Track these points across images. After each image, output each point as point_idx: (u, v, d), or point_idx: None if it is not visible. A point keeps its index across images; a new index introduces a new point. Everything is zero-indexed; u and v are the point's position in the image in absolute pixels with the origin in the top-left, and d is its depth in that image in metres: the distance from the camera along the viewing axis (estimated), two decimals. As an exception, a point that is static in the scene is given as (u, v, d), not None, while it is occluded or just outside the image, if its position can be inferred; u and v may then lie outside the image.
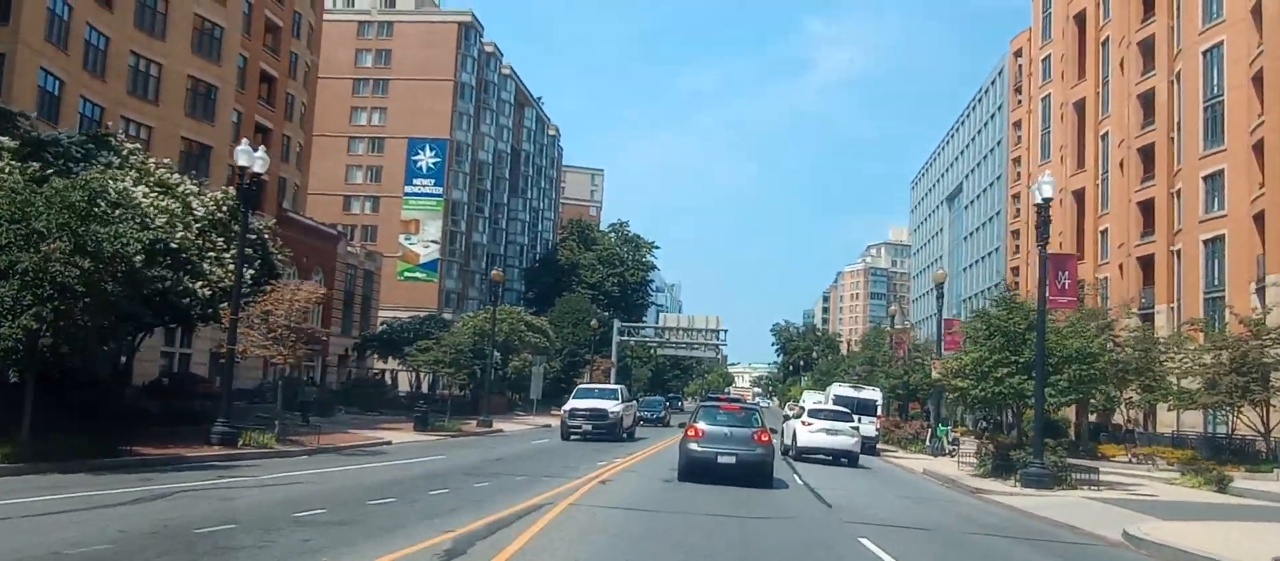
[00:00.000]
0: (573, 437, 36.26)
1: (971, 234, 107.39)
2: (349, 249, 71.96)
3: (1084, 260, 66.98)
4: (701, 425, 21.11)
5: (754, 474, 20.31)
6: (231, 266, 27.63)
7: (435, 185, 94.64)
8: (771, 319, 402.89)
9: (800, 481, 23.84)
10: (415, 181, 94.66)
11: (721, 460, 20.08)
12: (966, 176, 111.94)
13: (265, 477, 17.86)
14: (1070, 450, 38.99)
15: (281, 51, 62.75)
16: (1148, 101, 57.74)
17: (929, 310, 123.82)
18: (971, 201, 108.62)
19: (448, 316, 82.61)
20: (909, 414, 51.78)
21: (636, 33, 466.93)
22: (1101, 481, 24.43)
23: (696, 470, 20.26)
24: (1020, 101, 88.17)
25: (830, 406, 36.46)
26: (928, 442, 39.83)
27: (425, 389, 64.36)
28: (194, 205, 28.61)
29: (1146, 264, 56.86)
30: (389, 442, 30.61)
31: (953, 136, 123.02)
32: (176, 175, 29.42)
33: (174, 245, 25.19)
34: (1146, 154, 57.60)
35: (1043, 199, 24.27)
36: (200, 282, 25.73)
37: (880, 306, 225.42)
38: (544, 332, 74.33)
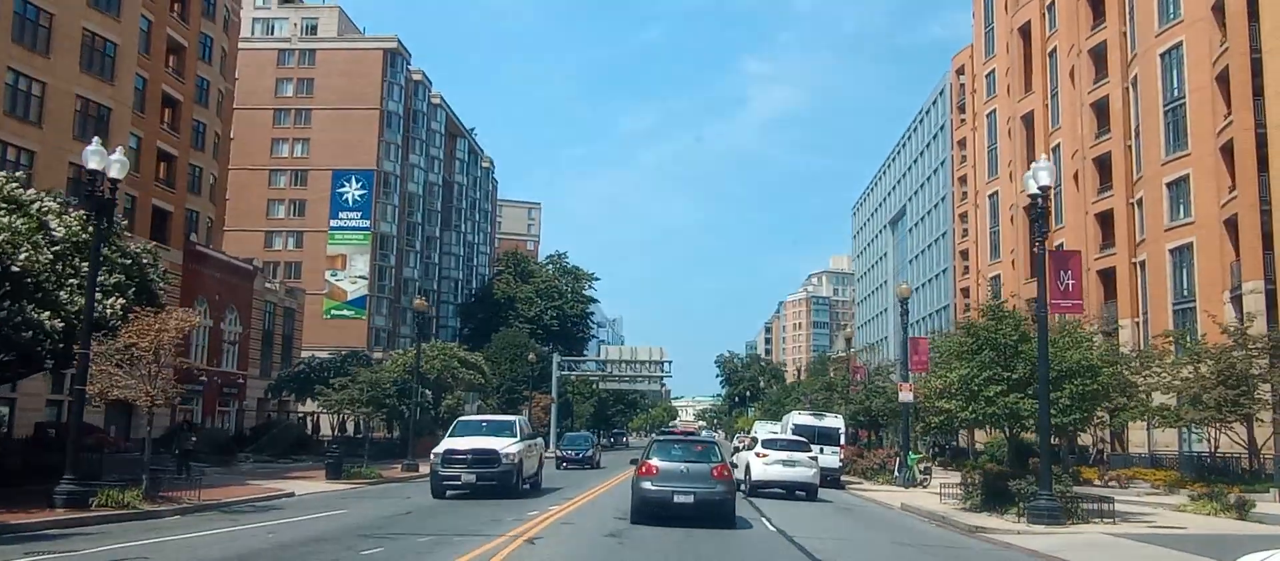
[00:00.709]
0: (449, 494, 25.16)
1: (917, 256, 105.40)
2: (267, 285, 67.27)
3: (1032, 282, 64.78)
4: (655, 461, 19.40)
5: (714, 513, 18.81)
6: (97, 297, 23.55)
7: (362, 218, 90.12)
8: (714, 352, 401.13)
9: (770, 525, 20.33)
10: (341, 215, 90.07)
11: (678, 500, 18.58)
12: (909, 199, 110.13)
13: (87, 551, 13.78)
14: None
15: (186, 74, 58.25)
16: (1102, 110, 55.74)
17: (878, 333, 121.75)
18: (915, 224, 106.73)
19: (377, 355, 78.12)
20: (861, 442, 48.55)
21: (573, 72, 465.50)
22: (1115, 512, 21.19)
23: (651, 511, 18.79)
24: (964, 119, 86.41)
25: (785, 436, 33.98)
26: (896, 473, 36.54)
27: (350, 431, 59.78)
28: (52, 225, 24.45)
29: (1108, 277, 54.59)
30: (291, 494, 26.43)
31: (893, 160, 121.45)
32: (31, 190, 25.23)
33: (15, 269, 21.06)
34: (1103, 163, 55.52)
35: (1039, 187, 21.29)
36: (49, 313, 21.56)
37: (823, 335, 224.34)
38: (479, 369, 69.99)
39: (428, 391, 62.58)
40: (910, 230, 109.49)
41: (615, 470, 40.61)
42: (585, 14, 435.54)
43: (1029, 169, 61.25)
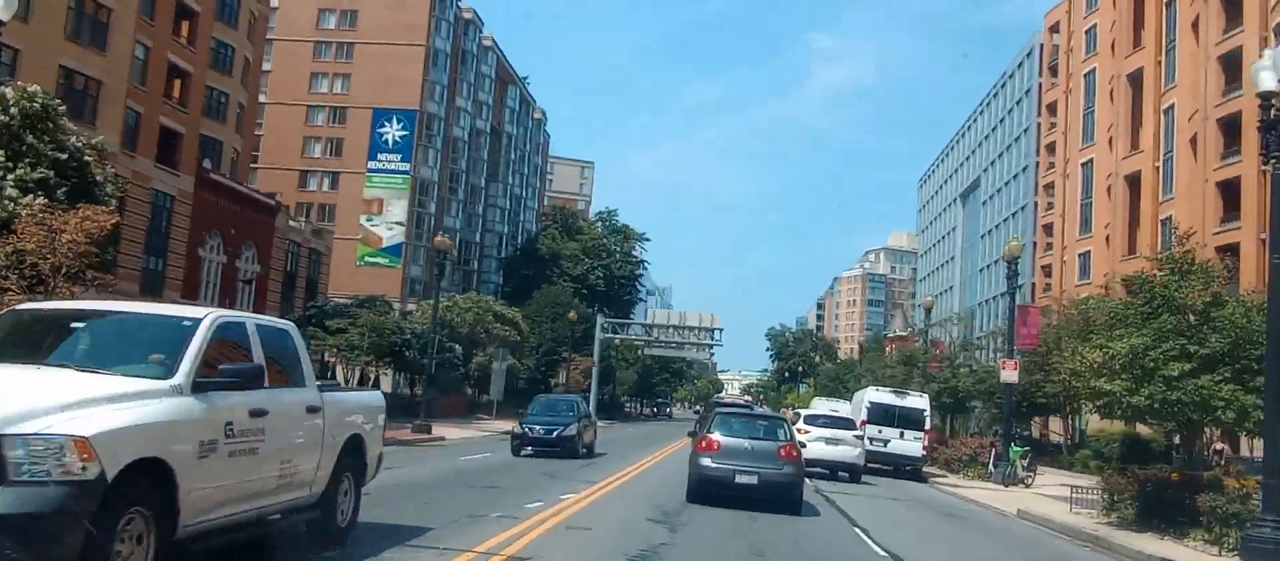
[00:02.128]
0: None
1: (991, 231, 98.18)
2: (291, 223, 62.45)
3: (1139, 255, 57.98)
4: (717, 436, 18.01)
5: (780, 497, 17.30)
6: (11, 193, 18.48)
7: (402, 161, 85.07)
8: (762, 328, 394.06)
9: (858, 529, 14.77)
10: (380, 156, 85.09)
11: (740, 479, 17.11)
12: (985, 170, 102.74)
13: None
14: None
15: (206, -18, 53.23)
16: (1232, 63, 48.50)
17: (944, 310, 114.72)
18: (991, 196, 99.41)
19: (410, 307, 73.35)
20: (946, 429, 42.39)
21: (638, 44, 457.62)
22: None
23: (710, 490, 17.33)
24: (1055, 82, 79.10)
25: (828, 413, 32.80)
26: (991, 466, 30.53)
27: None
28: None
29: (1227, 255, 47.59)
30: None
31: (969, 129, 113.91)
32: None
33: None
34: (1230, 125, 48.39)
35: (1268, 88, 15.00)
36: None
37: (878, 313, 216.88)
38: (515, 324, 64.89)
39: (457, 346, 57.56)
40: (984, 203, 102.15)
41: (626, 455, 31.86)
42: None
43: (1129, 136, 53.50)
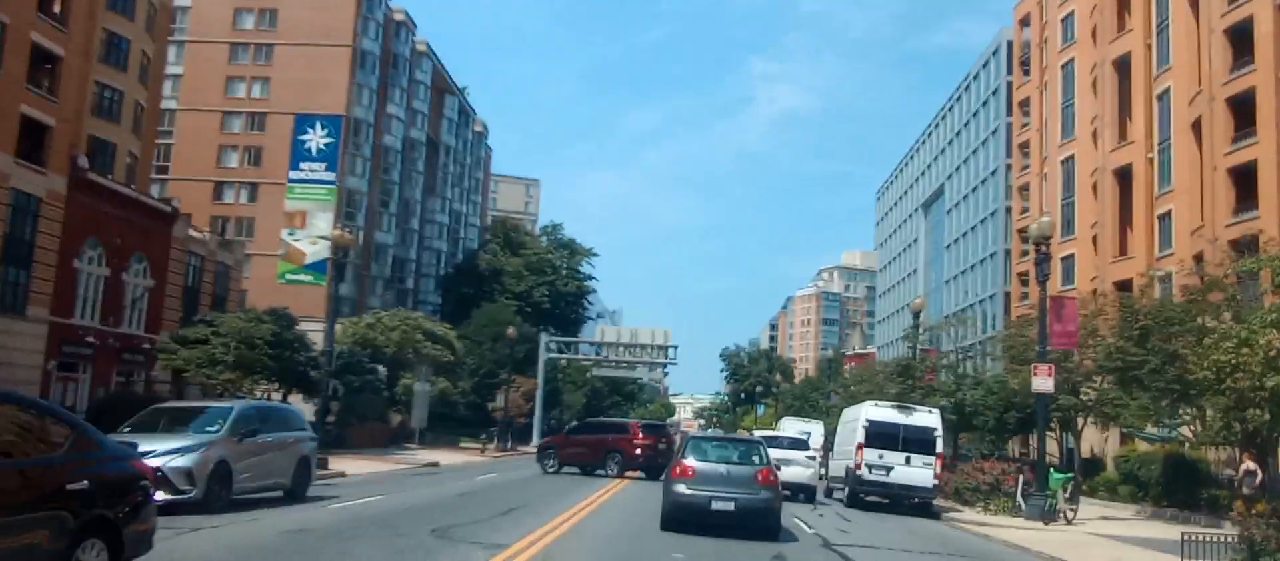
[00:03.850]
0: None
1: (957, 241, 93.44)
2: (193, 233, 55.37)
3: (1134, 256, 53.04)
4: (691, 461, 17.40)
5: (757, 523, 16.67)
6: None
7: (327, 170, 78.17)
8: (715, 351, 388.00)
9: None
10: (302, 165, 78.11)
11: (717, 506, 16.51)
12: (949, 177, 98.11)
13: None
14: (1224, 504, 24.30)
15: (83, -44, 46.38)
16: (1242, 36, 43.75)
17: (904, 326, 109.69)
18: (957, 204, 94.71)
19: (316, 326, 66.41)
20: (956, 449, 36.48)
21: (577, 71, 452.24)
22: None
23: (685, 517, 16.75)
24: (1027, 77, 74.48)
25: (782, 433, 33.85)
26: (1018, 497, 24.68)
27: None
28: None
29: (1244, 248, 42.53)
30: None
31: (929, 136, 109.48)
32: None
33: None
34: (1241, 104, 43.52)
35: None
36: None
37: (833, 333, 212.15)
38: (449, 344, 58.35)
39: (380, 368, 50.98)
40: (949, 211, 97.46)
41: (566, 495, 24.12)
42: (588, 13, 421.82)
43: (1117, 127, 48.42)
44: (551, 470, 34.44)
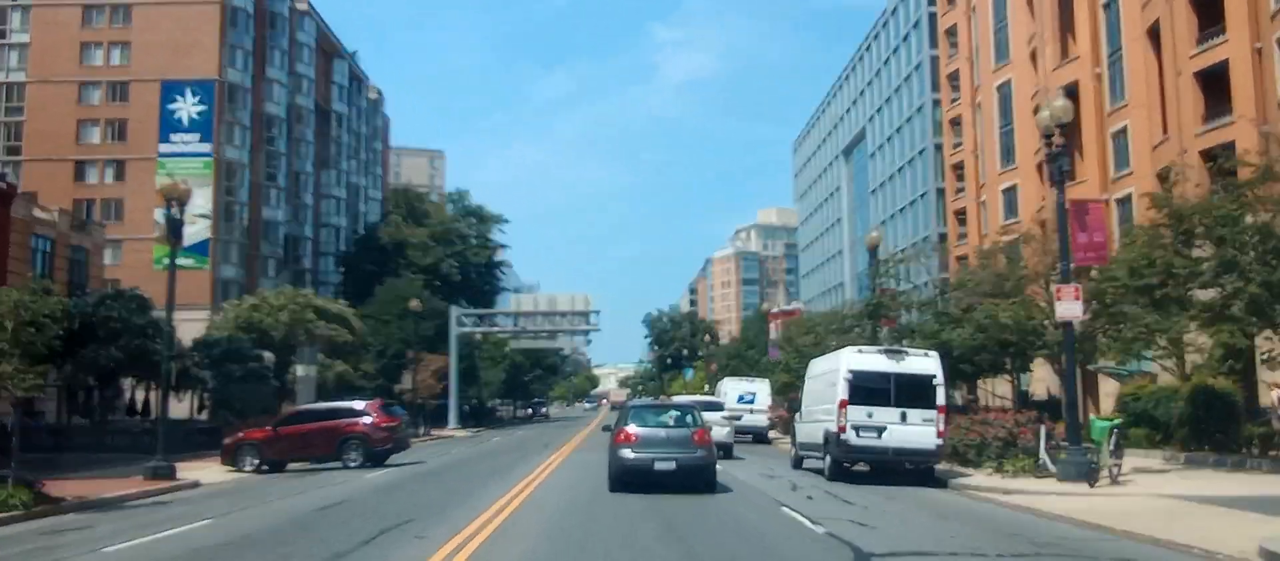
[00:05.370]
0: None
1: (883, 184, 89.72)
2: (37, 214, 48.12)
3: (1084, 180, 49.26)
4: (633, 428, 18.90)
5: (697, 478, 18.41)
6: None
7: (202, 142, 70.71)
8: (636, 318, 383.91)
9: None
10: (173, 137, 70.47)
11: (659, 466, 18.18)
12: (871, 118, 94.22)
13: None
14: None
15: None
16: (1203, -74, 39.84)
17: (832, 279, 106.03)
18: (881, 145, 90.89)
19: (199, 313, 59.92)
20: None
21: (481, 42, 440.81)
22: None
23: (631, 478, 18.35)
24: (952, 4, 70.47)
25: (701, 398, 34.60)
26: (1042, 455, 20.00)
27: (152, 409, 41.30)
28: None
29: (1219, 157, 38.81)
30: None
31: (847, 79, 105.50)
32: None
33: None
34: (1206, 2, 39.66)
35: None
36: None
37: (753, 292, 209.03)
38: (346, 322, 52.22)
39: (266, 354, 44.78)
40: (872, 155, 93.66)
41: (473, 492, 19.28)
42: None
43: (1059, 44, 43.94)
44: (250, 469, 27.30)
